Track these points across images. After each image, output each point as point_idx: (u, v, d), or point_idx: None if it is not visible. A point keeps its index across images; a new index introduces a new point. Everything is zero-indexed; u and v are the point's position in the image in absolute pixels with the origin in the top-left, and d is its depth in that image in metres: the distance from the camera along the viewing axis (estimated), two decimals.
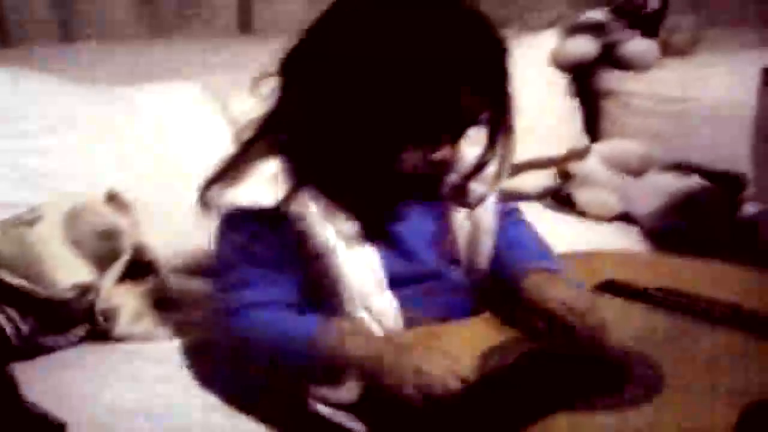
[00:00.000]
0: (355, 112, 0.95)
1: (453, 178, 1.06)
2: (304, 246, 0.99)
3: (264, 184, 0.99)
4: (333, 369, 0.92)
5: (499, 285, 1.08)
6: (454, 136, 1.00)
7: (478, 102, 0.97)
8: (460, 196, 1.08)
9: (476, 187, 1.08)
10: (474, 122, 1.00)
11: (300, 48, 1.00)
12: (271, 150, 1.01)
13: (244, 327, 0.97)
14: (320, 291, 1.00)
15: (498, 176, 1.07)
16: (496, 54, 0.98)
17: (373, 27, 0.95)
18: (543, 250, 1.12)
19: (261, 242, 0.99)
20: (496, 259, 1.11)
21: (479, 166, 1.06)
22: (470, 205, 1.08)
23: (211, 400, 1.00)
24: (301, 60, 0.99)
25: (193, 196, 1.03)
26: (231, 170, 1.01)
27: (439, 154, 0.99)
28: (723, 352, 0.98)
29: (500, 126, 1.02)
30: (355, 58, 0.94)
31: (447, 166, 1.02)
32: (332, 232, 0.99)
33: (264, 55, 1.01)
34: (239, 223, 1.00)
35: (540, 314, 1.01)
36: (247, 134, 1.03)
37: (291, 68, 1.00)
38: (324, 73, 0.96)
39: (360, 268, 1.00)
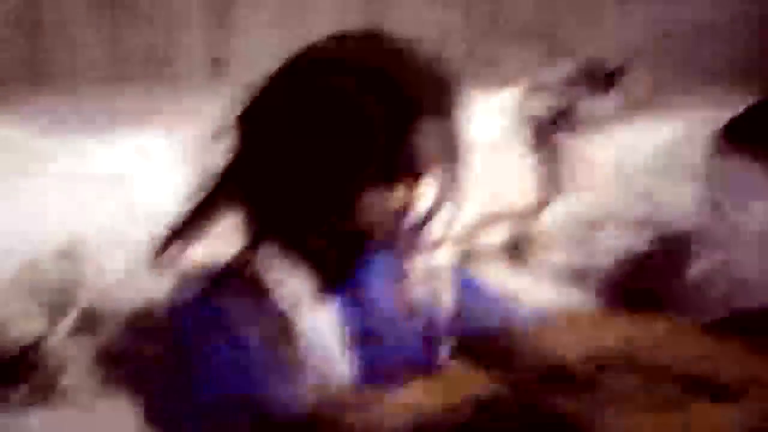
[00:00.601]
0: (312, 160, 0.96)
1: (407, 225, 1.07)
2: (265, 304, 0.98)
3: (223, 240, 0.99)
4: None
5: (480, 338, 1.09)
6: (408, 180, 0.99)
7: (429, 147, 0.99)
8: (414, 243, 1.09)
9: (429, 234, 1.09)
10: (426, 168, 1.00)
11: (256, 101, 1.01)
12: (231, 204, 1.00)
13: (208, 392, 0.95)
14: (280, 350, 1.00)
15: (449, 224, 1.08)
16: (446, 100, 1.00)
17: (325, 72, 0.97)
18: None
19: (221, 301, 0.97)
20: (472, 312, 1.12)
21: (430, 213, 1.05)
22: (424, 253, 1.09)
23: None
24: (258, 113, 1.01)
25: (152, 250, 1.02)
26: (188, 226, 1.00)
27: (395, 199, 0.99)
28: (676, 411, 1.00)
29: (450, 173, 1.01)
30: (310, 104, 0.96)
31: (403, 212, 1.02)
32: (294, 289, 0.99)
33: (234, 103, 1.01)
34: (198, 282, 0.98)
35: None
36: (206, 188, 1.02)
37: (248, 120, 1.00)
38: (279, 122, 0.97)
39: (321, 326, 1.00)
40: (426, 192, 1.03)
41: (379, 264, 1.08)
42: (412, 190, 1.00)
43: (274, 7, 2.05)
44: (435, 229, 1.07)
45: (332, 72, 0.97)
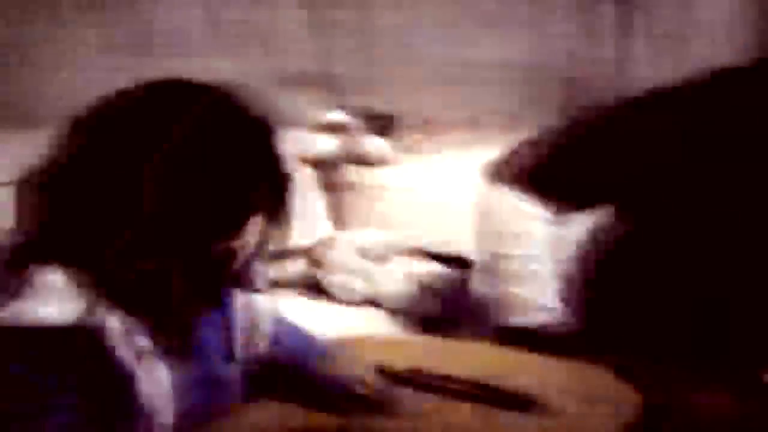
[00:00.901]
0: (140, 204, 0.91)
1: (237, 265, 1.02)
2: (98, 365, 0.93)
3: (54, 297, 0.91)
4: None
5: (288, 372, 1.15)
6: (238, 226, 0.97)
7: (259, 194, 0.98)
8: (244, 283, 1.08)
9: (256, 273, 1.09)
10: (257, 212, 0.99)
11: (74, 150, 0.94)
12: (58, 256, 0.93)
13: None
14: (109, 409, 0.95)
15: (270, 262, 1.11)
16: (267, 146, 0.99)
17: (144, 121, 0.93)
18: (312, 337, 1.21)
19: (47, 364, 0.91)
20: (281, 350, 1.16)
21: (255, 253, 1.02)
22: (254, 290, 1.11)
23: None
24: (79, 160, 0.94)
25: None
26: (8, 281, 0.92)
27: (231, 243, 0.97)
28: (472, 425, 1.07)
29: (276, 215, 1.02)
30: (135, 149, 0.92)
31: (236, 255, 0.99)
32: (130, 348, 0.96)
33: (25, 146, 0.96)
34: (23, 344, 0.90)
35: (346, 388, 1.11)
36: (26, 237, 0.94)
37: (67, 169, 0.93)
38: (101, 168, 0.92)
39: (153, 386, 0.98)
40: (252, 234, 0.99)
41: (212, 311, 1.08)
42: (239, 234, 0.98)
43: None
44: (259, 268, 1.08)
45: (153, 121, 0.93)
